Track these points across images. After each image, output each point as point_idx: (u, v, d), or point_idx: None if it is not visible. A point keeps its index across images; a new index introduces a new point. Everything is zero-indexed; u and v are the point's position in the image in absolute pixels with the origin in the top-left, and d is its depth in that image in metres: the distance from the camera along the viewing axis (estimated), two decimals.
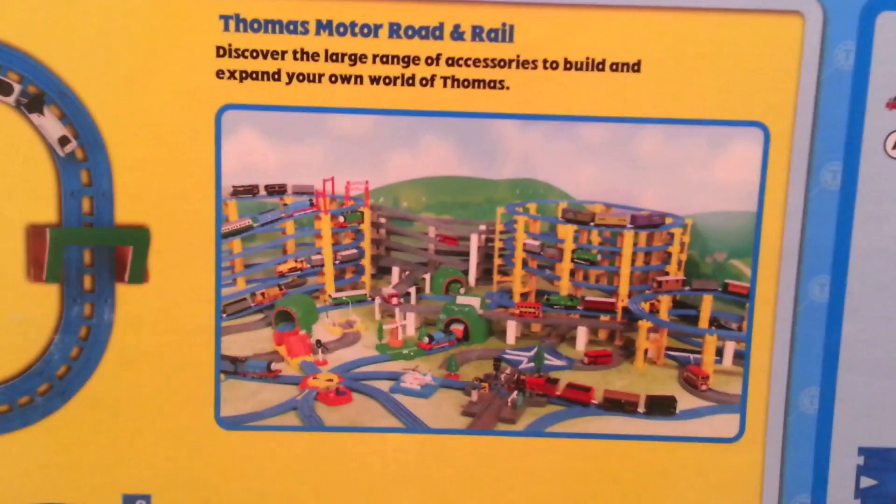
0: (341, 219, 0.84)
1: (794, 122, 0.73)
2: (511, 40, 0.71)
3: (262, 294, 0.81)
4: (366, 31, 0.70)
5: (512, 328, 0.82)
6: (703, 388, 0.79)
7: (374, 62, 0.71)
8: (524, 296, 0.85)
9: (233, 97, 0.71)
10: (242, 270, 0.82)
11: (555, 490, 0.79)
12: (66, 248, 0.73)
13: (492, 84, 0.72)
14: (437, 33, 0.71)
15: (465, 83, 0.72)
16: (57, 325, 0.74)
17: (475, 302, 0.83)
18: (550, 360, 0.81)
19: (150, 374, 0.75)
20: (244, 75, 0.71)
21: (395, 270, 0.85)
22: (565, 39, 0.72)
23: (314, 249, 0.85)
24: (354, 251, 0.85)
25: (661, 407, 0.78)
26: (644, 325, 0.80)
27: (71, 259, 0.73)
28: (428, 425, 0.78)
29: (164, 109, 0.71)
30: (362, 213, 0.83)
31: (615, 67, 0.72)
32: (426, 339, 0.82)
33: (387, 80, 0.72)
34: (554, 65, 0.71)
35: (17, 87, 0.70)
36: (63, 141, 0.71)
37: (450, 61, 0.71)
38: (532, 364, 0.80)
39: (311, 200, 0.82)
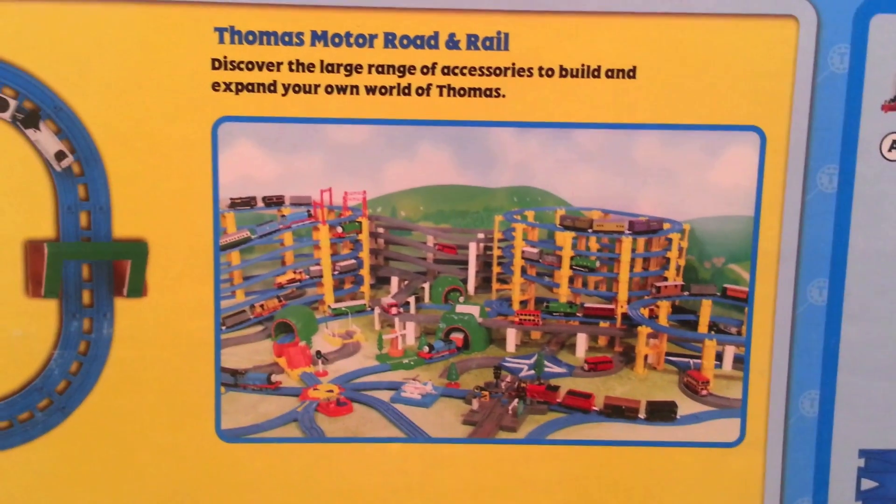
0: (339, 229, 0.83)
1: (790, 126, 0.72)
2: (506, 48, 0.70)
3: (262, 306, 0.81)
4: (361, 41, 0.70)
5: (512, 336, 0.82)
6: (704, 392, 0.78)
7: (369, 72, 0.71)
8: (523, 303, 0.84)
9: (229, 109, 0.71)
10: (241, 283, 0.82)
11: (557, 498, 0.78)
12: (64, 262, 0.72)
13: (488, 92, 0.71)
14: (433, 42, 0.70)
15: (461, 92, 0.71)
16: (56, 340, 0.74)
17: (474, 310, 0.83)
18: (550, 368, 0.81)
19: (150, 387, 0.75)
20: (240, 87, 0.70)
21: (394, 280, 0.85)
22: (560, 46, 0.71)
23: (313, 260, 0.84)
24: (353, 261, 0.85)
25: (662, 412, 0.77)
26: (643, 330, 0.80)
27: (69, 274, 0.73)
28: (429, 434, 0.77)
29: (160, 122, 0.71)
30: (360, 223, 0.82)
31: (611, 74, 0.71)
32: (426, 349, 0.81)
33: (383, 90, 0.71)
34: (549, 72, 0.71)
35: (12, 103, 0.69)
36: (59, 156, 0.71)
37: (445, 70, 0.71)
38: (532, 372, 0.79)
39: (308, 211, 0.81)
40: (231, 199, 0.75)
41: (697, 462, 0.77)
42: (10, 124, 0.70)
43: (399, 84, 0.71)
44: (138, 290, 0.73)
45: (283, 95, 0.70)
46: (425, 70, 0.71)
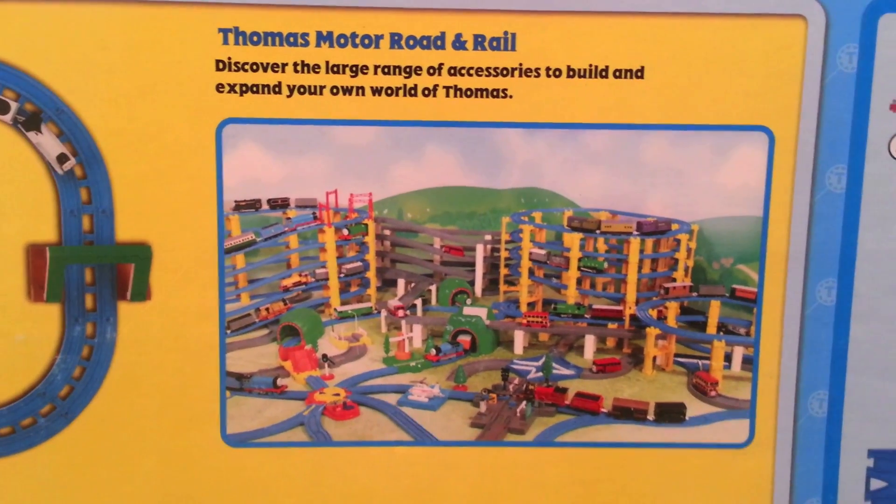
0: (345, 231, 0.83)
1: (799, 126, 0.72)
2: (513, 49, 0.70)
3: (267, 309, 0.80)
4: (367, 42, 0.70)
5: (519, 338, 0.82)
6: (713, 394, 0.78)
7: (375, 73, 0.70)
8: (531, 305, 0.84)
9: (233, 111, 0.70)
10: (246, 286, 0.81)
11: (566, 500, 0.78)
12: (66, 267, 0.72)
13: (495, 93, 0.71)
14: (439, 43, 0.70)
15: (468, 92, 0.71)
16: (59, 345, 0.73)
17: (482, 312, 0.82)
18: (559, 370, 0.81)
19: (155, 392, 0.74)
20: (244, 89, 0.70)
21: (401, 282, 0.85)
22: (568, 47, 0.71)
23: (318, 263, 0.84)
24: (359, 264, 0.85)
25: (671, 414, 0.77)
26: (652, 332, 0.79)
27: (72, 278, 0.72)
28: (437, 438, 0.77)
29: (163, 124, 0.70)
30: (366, 225, 0.82)
31: (618, 74, 0.71)
32: (433, 351, 0.81)
33: (389, 91, 0.71)
34: (557, 72, 0.71)
35: (13, 105, 0.69)
36: (62, 159, 0.70)
37: (452, 71, 0.70)
38: (540, 374, 0.79)
39: (314, 214, 0.81)
40: (236, 201, 0.74)
41: (707, 463, 0.77)
42: (12, 127, 0.69)
43: (405, 85, 0.71)
44: (142, 293, 0.72)
45: (288, 97, 0.70)
46: (431, 71, 0.70)
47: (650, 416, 0.77)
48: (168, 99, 0.70)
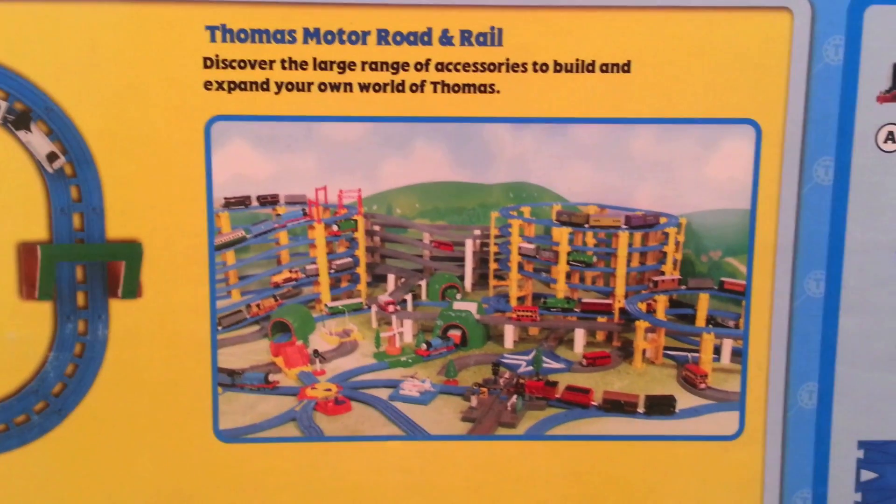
0: (335, 228, 0.82)
1: (786, 119, 0.72)
2: (500, 44, 0.70)
3: (258, 305, 0.80)
4: (354, 38, 0.70)
5: (509, 332, 0.82)
6: (702, 386, 0.78)
7: (363, 69, 0.70)
8: (521, 299, 0.83)
9: (222, 108, 0.70)
10: (237, 282, 0.81)
11: (557, 493, 0.78)
12: (57, 265, 0.72)
13: (482, 88, 0.71)
14: (426, 39, 0.70)
15: (456, 88, 0.71)
16: (51, 342, 0.73)
17: (472, 307, 0.82)
18: (549, 363, 0.81)
19: (147, 389, 0.74)
20: (232, 86, 0.70)
21: (391, 278, 0.85)
22: (554, 41, 0.71)
23: (308, 259, 0.84)
24: (349, 260, 0.85)
25: (661, 406, 0.77)
26: (641, 325, 0.80)
27: (63, 276, 0.72)
28: (428, 432, 0.77)
29: (152, 122, 0.70)
30: (356, 221, 0.82)
31: (605, 68, 0.71)
32: (424, 346, 0.81)
33: (376, 87, 0.71)
34: (544, 67, 0.70)
35: (3, 105, 0.69)
36: (51, 157, 0.70)
37: (439, 66, 0.70)
38: (531, 367, 0.80)
39: (303, 210, 0.81)
40: (225, 198, 0.74)
41: (697, 455, 0.77)
42: (1, 126, 0.69)
43: (393, 81, 0.70)
44: (133, 291, 0.72)
45: (276, 94, 0.70)
46: (419, 67, 0.70)
47: (640, 409, 0.77)
48: (157, 97, 0.70)
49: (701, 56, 0.71)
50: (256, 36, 0.69)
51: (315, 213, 0.81)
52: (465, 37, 0.70)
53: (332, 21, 0.69)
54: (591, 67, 0.71)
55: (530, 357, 0.81)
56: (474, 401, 0.78)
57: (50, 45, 0.69)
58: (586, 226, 0.82)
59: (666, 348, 0.82)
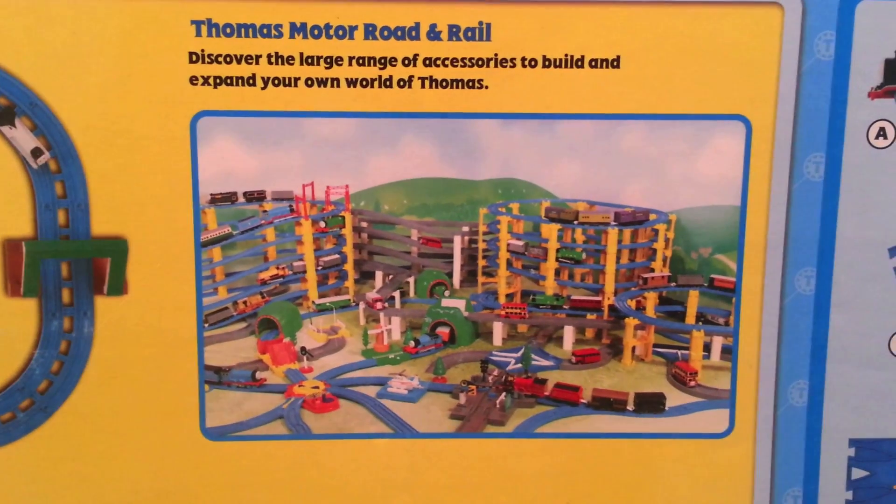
0: (322, 224, 0.83)
1: (776, 115, 0.71)
2: (488, 39, 0.69)
3: (245, 302, 0.80)
4: (341, 33, 0.69)
5: (498, 329, 0.82)
6: (692, 384, 0.78)
7: (350, 64, 0.70)
8: (510, 297, 0.84)
9: (208, 103, 0.70)
10: (223, 279, 0.82)
11: (546, 491, 0.77)
12: (42, 261, 0.71)
13: (470, 83, 0.70)
14: (414, 34, 0.69)
15: (444, 83, 0.70)
16: (36, 339, 0.73)
17: (460, 304, 0.82)
18: (538, 361, 0.81)
19: (133, 386, 0.74)
20: (218, 81, 0.69)
21: (379, 274, 0.85)
22: (543, 37, 0.70)
23: (296, 256, 0.84)
24: (336, 256, 0.84)
25: (651, 404, 0.77)
26: (631, 322, 0.80)
27: (48, 273, 0.72)
28: (416, 430, 0.77)
29: (137, 118, 0.70)
30: (343, 217, 0.82)
31: (594, 64, 0.70)
32: (412, 343, 0.81)
33: (364, 83, 0.70)
34: (533, 63, 0.70)
35: None
36: (36, 153, 0.70)
37: (427, 62, 0.70)
38: (519, 365, 0.79)
39: (290, 206, 0.81)
40: (211, 194, 0.74)
41: (687, 453, 0.77)
42: None
43: (380, 76, 0.70)
44: (119, 288, 0.72)
45: (263, 89, 0.69)
46: (407, 62, 0.70)
47: (630, 407, 0.77)
48: (142, 92, 0.69)
49: (691, 52, 0.70)
50: (242, 30, 0.68)
51: (302, 210, 0.80)
52: (454, 31, 0.69)
53: (319, 15, 0.69)
54: (580, 63, 0.70)
55: (519, 354, 0.80)
56: (463, 398, 0.78)
57: (34, 39, 0.68)
58: (575, 222, 0.82)
59: (655, 345, 0.81)
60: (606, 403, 0.77)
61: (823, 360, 0.75)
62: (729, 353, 0.76)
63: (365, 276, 0.86)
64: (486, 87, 0.70)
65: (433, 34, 0.69)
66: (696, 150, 0.72)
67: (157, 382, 0.74)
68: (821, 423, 0.76)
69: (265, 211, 0.80)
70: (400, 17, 0.69)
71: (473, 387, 0.78)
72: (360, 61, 0.70)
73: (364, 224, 0.84)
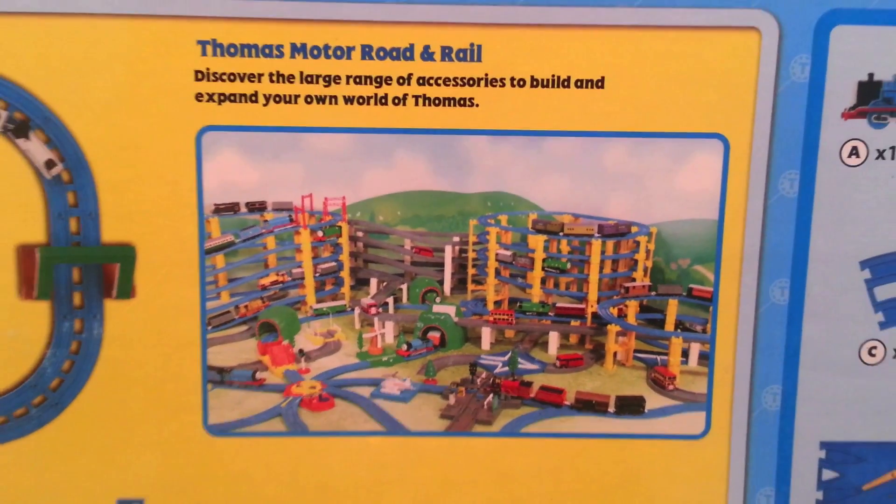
0: (320, 233, 0.82)
1: (753, 134, 0.72)
2: (479, 60, 0.70)
3: (246, 307, 0.80)
4: (339, 53, 0.70)
5: (486, 334, 0.82)
6: (670, 387, 0.78)
7: (347, 83, 0.71)
8: (498, 304, 0.83)
9: (212, 119, 0.71)
10: (226, 284, 0.81)
11: (530, 489, 0.78)
12: (55, 266, 0.72)
13: (462, 102, 0.71)
14: (408, 54, 0.70)
15: (437, 101, 0.71)
16: (49, 340, 0.74)
17: (451, 310, 0.82)
18: (524, 364, 0.81)
19: (140, 385, 0.75)
20: (222, 98, 0.70)
21: (373, 281, 0.85)
22: (532, 58, 0.71)
23: (295, 263, 0.84)
24: (333, 264, 0.84)
25: (631, 407, 0.77)
26: (613, 329, 0.80)
27: (60, 277, 0.73)
28: (408, 428, 0.77)
29: (146, 132, 0.71)
30: (340, 227, 0.81)
31: (580, 84, 0.71)
32: (404, 347, 0.81)
33: (360, 100, 0.71)
34: (521, 82, 0.71)
35: (3, 114, 0.69)
36: (49, 164, 0.71)
37: (421, 81, 0.71)
38: (506, 368, 0.80)
39: (290, 216, 0.81)
40: (215, 204, 0.74)
41: (664, 454, 0.78)
42: (2, 134, 0.70)
43: (376, 94, 0.71)
44: (127, 292, 0.73)
45: (265, 105, 0.70)
46: (401, 81, 0.71)
47: (611, 409, 0.78)
48: (150, 107, 0.70)
49: (671, 73, 0.71)
50: (245, 50, 0.69)
51: (301, 220, 0.80)
52: (446, 52, 0.70)
53: (319, 36, 0.69)
54: (566, 83, 0.71)
55: (506, 358, 0.81)
56: (452, 399, 0.78)
57: (48, 57, 0.69)
58: (561, 234, 0.81)
59: (636, 351, 0.81)
60: (589, 405, 0.77)
61: (796, 366, 0.76)
62: (706, 358, 0.76)
63: (360, 283, 0.85)
64: (477, 105, 0.71)
65: (427, 55, 0.70)
66: (677, 167, 0.73)
67: (163, 381, 0.75)
68: (793, 427, 0.77)
69: (266, 220, 0.80)
70: (395, 38, 0.70)
71: (462, 388, 0.78)
72: (357, 80, 0.70)
73: (360, 234, 0.84)
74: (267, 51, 0.70)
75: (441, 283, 0.85)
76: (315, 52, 0.70)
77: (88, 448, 0.76)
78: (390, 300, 0.85)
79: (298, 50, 0.70)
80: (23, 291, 0.73)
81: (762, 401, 0.77)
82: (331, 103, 0.71)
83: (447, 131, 0.72)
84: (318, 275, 0.84)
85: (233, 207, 0.76)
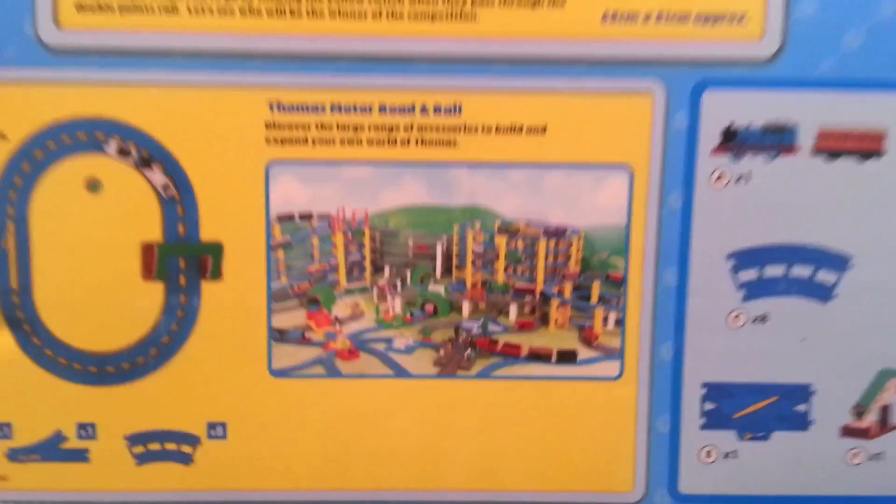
0: (349, 235, 0.83)
1: (650, 164, 0.79)
2: (460, 113, 0.77)
3: (298, 286, 0.83)
4: (364, 109, 0.77)
5: (466, 306, 0.84)
6: (595, 343, 0.84)
7: (369, 130, 0.77)
8: (474, 284, 0.84)
9: (277, 155, 0.78)
10: (284, 270, 0.82)
11: (499, 416, 0.84)
12: (168, 257, 0.79)
13: (448, 142, 0.78)
14: (411, 110, 0.77)
15: (430, 142, 0.78)
16: (162, 309, 0.81)
17: (441, 289, 0.84)
18: (493, 327, 0.85)
19: (226, 341, 0.82)
20: (284, 141, 0.77)
21: (387, 269, 0.84)
22: (497, 112, 0.77)
23: (332, 256, 0.83)
24: (359, 257, 0.84)
25: (567, 357, 0.84)
26: (555, 302, 0.83)
27: (171, 265, 0.79)
28: (411, 373, 0.83)
29: (232, 163, 0.78)
30: (364, 231, 0.82)
31: (530, 130, 0.78)
32: (409, 315, 0.84)
33: (379, 142, 0.78)
34: (490, 129, 0.78)
35: (134, 153, 0.77)
36: (165, 187, 0.78)
37: (420, 128, 0.77)
38: (480, 330, 0.84)
39: (329, 223, 0.82)
40: (278, 214, 0.79)
41: (592, 391, 0.84)
42: (133, 167, 0.78)
43: (389, 138, 0.77)
44: (217, 275, 0.80)
45: (312, 146, 0.77)
46: (406, 128, 0.77)
47: (553, 359, 0.84)
48: (235, 146, 0.78)
49: (592, 121, 0.78)
50: (300, 108, 0.77)
51: (336, 226, 0.82)
52: (437, 109, 0.77)
53: (349, 99, 0.77)
54: (520, 129, 0.78)
55: (480, 323, 0.84)
56: (442, 352, 0.83)
57: (168, 114, 0.77)
58: (518, 235, 0.83)
59: (571, 318, 0.84)
60: (538, 356, 0.83)
61: (683, 329, 0.83)
62: (619, 324, 0.83)
63: (378, 270, 0.84)
64: (457, 146, 0.78)
65: (423, 110, 0.77)
66: (597, 187, 0.79)
67: (242, 339, 0.81)
68: (682, 371, 0.84)
69: (312, 227, 0.81)
70: (402, 99, 0.77)
71: (449, 344, 0.83)
72: (376, 128, 0.77)
73: (377, 235, 0.83)
74: (314, 108, 0.77)
75: (434, 270, 0.85)
76: (347, 108, 0.77)
77: (187, 384, 0.82)
78: (398, 282, 0.85)
79: (335, 108, 0.77)
80: (145, 275, 0.79)
81: (659, 353, 0.83)
82: (358, 144, 0.78)
83: (438, 164, 0.78)
84: (348, 264, 0.84)
85: (290, 217, 0.80)
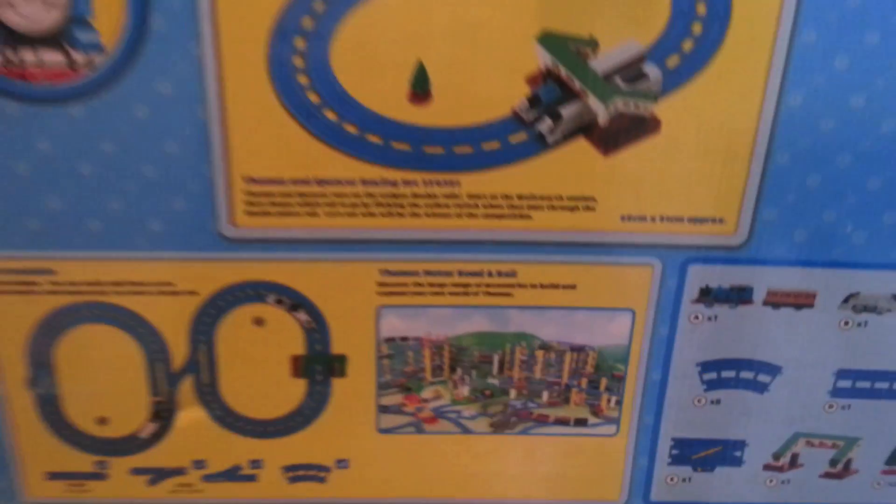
0: (433, 349, 0.96)
1: (647, 308, 0.95)
2: (515, 276, 0.93)
3: (397, 381, 0.98)
4: (446, 273, 0.92)
5: (513, 392, 0.99)
6: (601, 415, 1.00)
7: (451, 286, 0.94)
8: (519, 378, 0.98)
9: (384, 302, 0.95)
10: (388, 370, 0.97)
11: (530, 459, 1.03)
12: (309, 364, 0.97)
13: (505, 294, 0.94)
14: (480, 274, 0.93)
15: (493, 294, 0.94)
16: (305, 393, 0.98)
17: (496, 381, 0.97)
18: (530, 405, 0.99)
19: (349, 412, 1.01)
20: (392, 292, 0.94)
21: (459, 370, 0.97)
22: (542, 276, 0.93)
23: (422, 363, 0.97)
24: (440, 362, 0.97)
25: (581, 422, 1.00)
26: (574, 390, 0.98)
27: (311, 369, 0.97)
28: (473, 430, 1.02)
29: (354, 308, 0.96)
30: (444, 346, 0.96)
31: (564, 287, 0.93)
32: (473, 396, 0.99)
33: (456, 293, 0.94)
34: (535, 286, 0.93)
35: (286, 301, 0.91)
36: (307, 322, 0.94)
37: (486, 286, 0.94)
38: (522, 406, 0.99)
39: (420, 342, 0.96)
40: (385, 337, 0.96)
41: (597, 443, 1.02)
42: (286, 311, 0.93)
43: (464, 291, 0.93)
44: (342, 374, 0.98)
45: (410, 297, 0.95)
46: (477, 286, 0.93)
47: (571, 423, 1.00)
48: (356, 297, 0.95)
49: (609, 282, 0.92)
50: (402, 273, 0.93)
51: (424, 344, 0.97)
52: (498, 273, 0.93)
53: (437, 267, 0.92)
54: (556, 286, 0.93)
55: (522, 402, 0.99)
56: (495, 419, 0.99)
57: (309, 276, 0.92)
58: (551, 350, 0.97)
59: (585, 400, 1.00)
60: (560, 422, 1.00)
61: (662, 406, 1.00)
62: (618, 403, 0.99)
63: (453, 371, 0.97)
64: (513, 296, 0.94)
65: (489, 274, 0.93)
66: (610, 322, 0.95)
67: (359, 411, 1.00)
68: (659, 431, 1.03)
69: (408, 345, 0.96)
70: (474, 267, 0.92)
71: (500, 414, 0.98)
72: (455, 285, 0.93)
73: (453, 350, 0.96)
74: (412, 273, 0.93)
75: (492, 369, 0.98)
76: (435, 273, 0.93)
77: (322, 438, 1.01)
78: (466, 377, 0.99)
79: (427, 272, 0.93)
80: (294, 374, 0.97)
81: (644, 419, 1.02)
82: (441, 295, 0.94)
83: (497, 307, 0.95)
84: (432, 367, 0.97)
85: (392, 339, 0.96)
